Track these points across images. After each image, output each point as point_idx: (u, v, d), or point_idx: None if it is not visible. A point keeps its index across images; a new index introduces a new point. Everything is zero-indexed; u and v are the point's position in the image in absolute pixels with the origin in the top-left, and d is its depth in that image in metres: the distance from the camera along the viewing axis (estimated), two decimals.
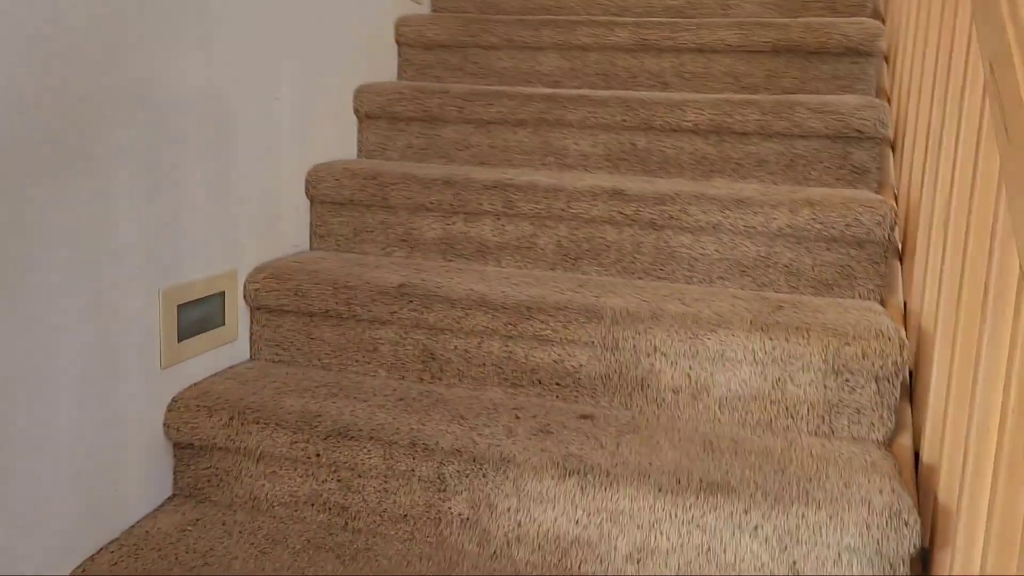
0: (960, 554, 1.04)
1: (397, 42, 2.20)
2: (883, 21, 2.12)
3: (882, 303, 1.55)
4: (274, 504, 1.39)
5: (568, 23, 2.10)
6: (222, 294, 1.50)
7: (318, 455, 1.33)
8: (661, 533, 1.24)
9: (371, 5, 2.05)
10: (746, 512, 1.18)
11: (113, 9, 1.17)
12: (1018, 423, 0.84)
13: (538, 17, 2.20)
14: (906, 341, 1.35)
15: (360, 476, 1.35)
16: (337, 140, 1.92)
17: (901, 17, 1.88)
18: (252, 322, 1.64)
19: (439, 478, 1.29)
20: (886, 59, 2.00)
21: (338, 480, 1.36)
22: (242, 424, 1.36)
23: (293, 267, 1.61)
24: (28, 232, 1.05)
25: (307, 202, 1.80)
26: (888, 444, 1.37)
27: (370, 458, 1.31)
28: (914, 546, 1.14)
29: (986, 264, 1.01)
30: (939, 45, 1.43)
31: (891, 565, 1.16)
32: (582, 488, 1.23)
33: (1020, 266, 0.87)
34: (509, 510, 1.29)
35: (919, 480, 1.30)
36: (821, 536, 1.16)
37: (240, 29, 1.49)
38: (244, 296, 1.58)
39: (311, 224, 1.82)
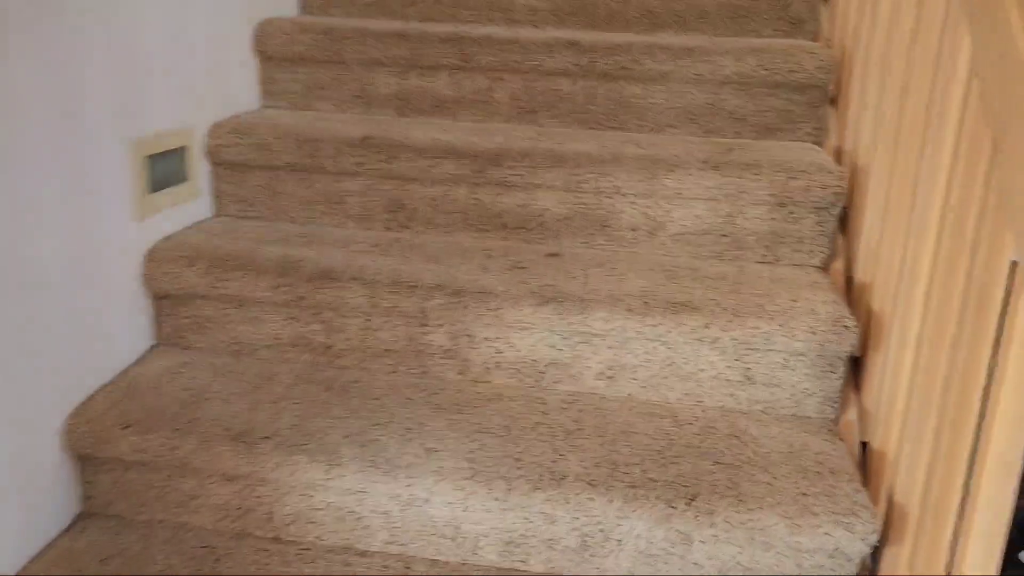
0: (893, 353, 1.17)
1: None
2: None
3: (819, 144, 1.66)
4: (258, 347, 1.45)
5: None
6: (184, 148, 1.51)
7: (301, 298, 1.38)
8: (630, 351, 1.35)
9: None
10: (707, 326, 1.29)
11: None
12: (951, 244, 0.96)
13: None
14: (845, 173, 1.47)
15: (343, 316, 1.41)
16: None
17: None
18: (215, 179, 1.65)
19: (421, 312, 1.36)
20: None
21: (321, 322, 1.42)
22: (223, 272, 1.39)
23: (253, 122, 1.61)
24: (11, 80, 1.05)
25: (255, 59, 1.78)
26: (825, 268, 1.50)
27: (354, 298, 1.37)
28: (852, 346, 1.27)
29: (927, 99, 1.10)
30: None
31: (831, 365, 1.31)
32: (559, 314, 1.32)
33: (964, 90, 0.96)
34: (488, 339, 1.37)
35: (852, 297, 1.42)
36: (773, 344, 1.29)
37: None
38: (207, 152, 1.59)
39: (260, 82, 1.81)
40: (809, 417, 1.35)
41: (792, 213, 1.48)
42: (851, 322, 1.28)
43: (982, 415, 0.89)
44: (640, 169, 1.48)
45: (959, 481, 0.91)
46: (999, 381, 0.85)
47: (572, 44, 1.67)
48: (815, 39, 1.82)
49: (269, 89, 1.82)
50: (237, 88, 1.72)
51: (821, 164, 1.48)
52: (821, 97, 1.67)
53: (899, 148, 1.25)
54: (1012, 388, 0.80)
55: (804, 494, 1.13)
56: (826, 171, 1.45)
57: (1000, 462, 0.84)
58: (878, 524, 1.11)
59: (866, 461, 1.27)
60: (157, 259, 1.41)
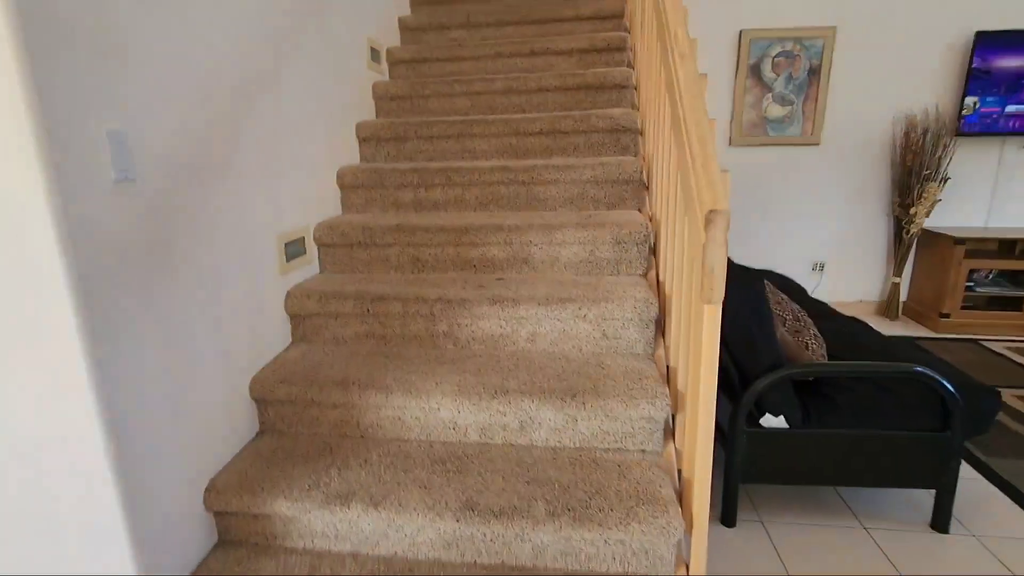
0: (673, 314, 1.29)
1: (373, 96, 2.25)
2: (633, 68, 2.27)
3: (639, 210, 1.79)
4: (347, 340, 1.56)
5: (468, 80, 2.19)
6: (303, 238, 1.64)
7: (368, 311, 1.50)
8: (541, 325, 1.46)
9: (361, 79, 2.10)
10: (580, 309, 1.42)
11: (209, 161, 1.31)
12: (691, 266, 1.12)
13: (452, 77, 2.27)
14: (650, 226, 1.63)
15: (391, 318, 1.52)
16: (348, 153, 1.99)
17: (640, 67, 2.03)
18: (320, 253, 1.74)
19: (431, 314, 1.48)
20: (636, 88, 2.15)
21: (379, 323, 1.53)
22: (326, 300, 1.51)
23: (338, 222, 1.73)
24: (210, 212, 1.22)
25: (337, 188, 1.90)
26: (644, 276, 1.62)
27: (395, 308, 1.49)
28: (655, 314, 1.40)
29: (675, 195, 1.25)
30: (653, 86, 1.65)
31: (647, 324, 1.42)
32: (502, 308, 1.44)
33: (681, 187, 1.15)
34: (467, 325, 1.49)
35: (659, 290, 1.53)
36: (616, 315, 1.41)
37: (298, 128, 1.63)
38: (315, 238, 1.71)
39: (340, 199, 1.92)
40: (638, 353, 1.44)
41: (624, 247, 1.59)
42: (654, 301, 1.40)
43: (699, 341, 1.04)
44: (543, 230, 1.60)
45: (695, 373, 1.07)
46: (703, 321, 0.99)
47: (506, 168, 1.79)
48: (635, 155, 1.94)
49: (345, 202, 1.91)
50: (329, 203, 1.83)
51: (639, 221, 1.59)
52: (640, 187, 1.78)
53: (666, 214, 1.39)
54: (709, 330, 0.96)
55: (632, 391, 1.24)
56: (641, 224, 1.58)
57: (708, 364, 1.00)
58: (671, 401, 1.23)
59: (669, 374, 1.36)
60: (291, 296, 1.53)
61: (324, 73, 1.78)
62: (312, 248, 1.70)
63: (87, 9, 0.89)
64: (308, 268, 1.69)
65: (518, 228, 1.62)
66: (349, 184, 1.89)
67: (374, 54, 2.26)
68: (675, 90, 1.09)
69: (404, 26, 2.59)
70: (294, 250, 1.58)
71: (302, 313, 1.54)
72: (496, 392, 1.27)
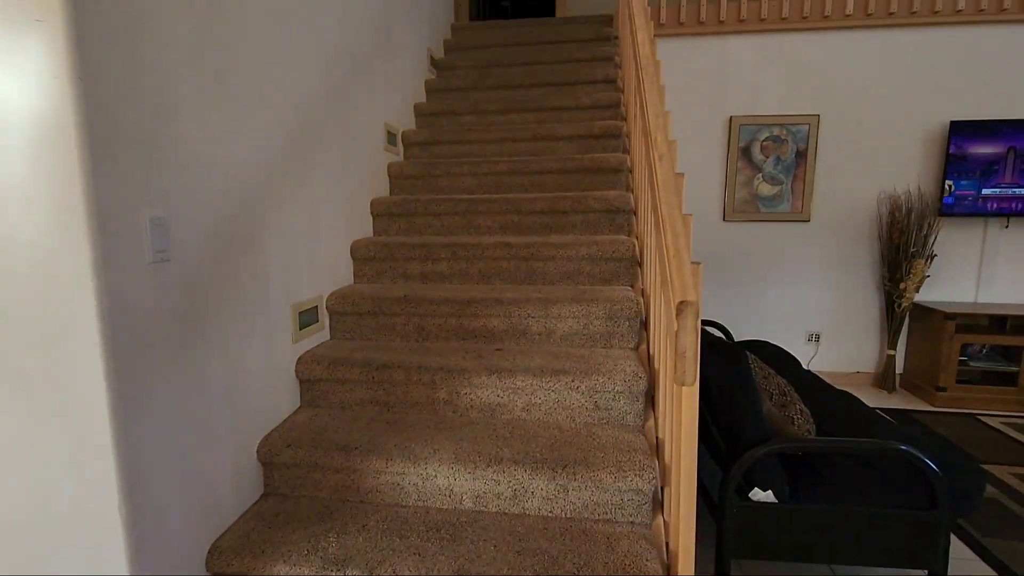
0: (660, 390, 1.33)
1: (388, 175, 2.41)
2: (628, 153, 2.43)
3: (632, 287, 1.87)
4: (352, 404, 1.61)
5: (476, 161, 2.35)
6: (316, 307, 1.74)
7: (373, 378, 1.57)
8: (536, 395, 1.51)
9: (377, 160, 2.26)
10: (573, 380, 1.47)
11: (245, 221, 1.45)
12: (668, 331, 1.19)
13: (461, 159, 2.45)
14: (641, 302, 1.71)
15: (394, 386, 1.57)
16: (362, 226, 2.12)
17: (633, 154, 2.17)
18: (331, 320, 1.82)
19: (432, 382, 1.54)
20: (630, 171, 2.29)
21: (384, 390, 1.58)
22: (334, 366, 1.58)
23: (349, 291, 1.83)
24: (235, 286, 1.33)
25: (350, 260, 2.01)
26: (636, 349, 1.68)
27: (399, 376, 1.55)
28: (645, 387, 1.46)
29: (660, 267, 1.36)
30: (643, 174, 1.78)
31: (635, 397, 1.47)
32: (500, 378, 1.51)
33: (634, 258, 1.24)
34: (466, 394, 1.54)
35: (651, 363, 1.56)
36: (607, 388, 1.47)
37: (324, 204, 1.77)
38: (327, 307, 1.80)
39: (353, 269, 2.03)
40: (629, 425, 1.48)
41: (617, 322, 1.66)
42: (644, 375, 1.45)
43: (679, 421, 1.08)
44: (540, 304, 1.68)
45: (678, 449, 1.11)
46: (681, 398, 1.05)
47: (507, 245, 1.90)
48: (629, 234, 2.06)
49: (357, 273, 2.01)
50: (343, 273, 1.93)
51: (631, 297, 1.68)
52: (633, 264, 1.87)
53: (655, 291, 1.46)
54: (687, 410, 1.02)
55: (622, 463, 1.28)
56: (633, 301, 1.66)
57: (688, 443, 1.05)
58: (657, 474, 1.27)
59: (658, 446, 1.40)
60: (302, 362, 1.60)
61: (344, 157, 1.94)
62: (324, 316, 1.80)
63: (149, 116, 1.03)
64: (319, 335, 1.77)
65: (517, 301, 1.71)
66: (362, 256, 2.01)
67: (390, 137, 2.44)
68: (655, 186, 1.20)
69: (419, 112, 2.80)
70: (307, 318, 1.67)
71: (311, 378, 1.61)
72: (491, 461, 1.32)
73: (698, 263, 0.96)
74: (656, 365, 1.47)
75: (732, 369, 1.46)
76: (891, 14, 3.18)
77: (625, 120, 2.61)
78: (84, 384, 0.94)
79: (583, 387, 1.49)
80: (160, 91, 1.07)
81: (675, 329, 0.88)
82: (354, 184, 2.04)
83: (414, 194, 2.41)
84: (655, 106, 1.36)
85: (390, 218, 2.22)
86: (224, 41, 1.27)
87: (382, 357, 1.61)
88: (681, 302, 0.86)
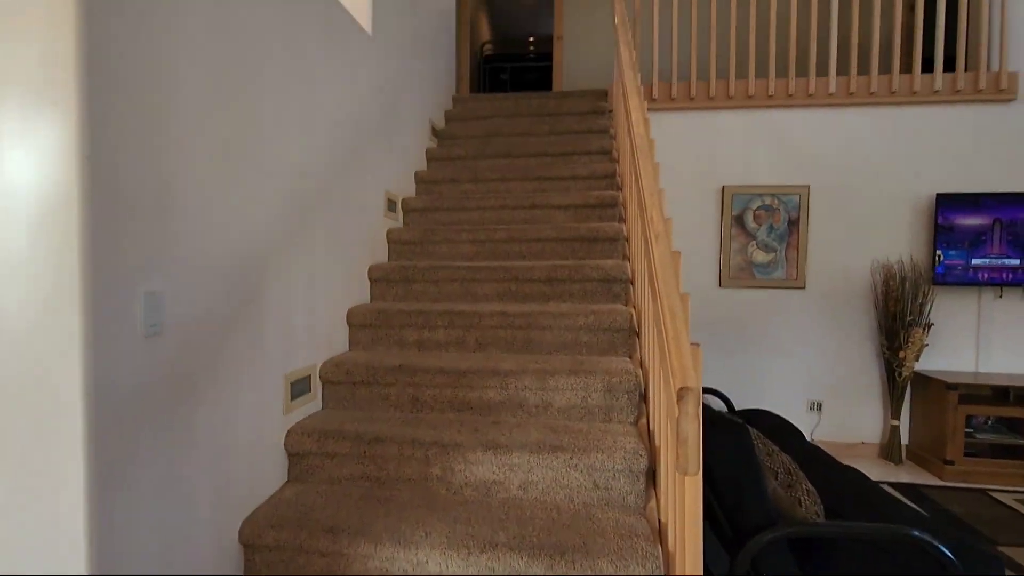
0: (661, 469, 1.30)
1: (387, 240, 2.44)
2: (623, 223, 2.48)
3: (630, 358, 1.87)
4: (342, 480, 1.55)
5: (475, 227, 2.39)
6: (310, 376, 1.71)
7: (364, 452, 1.53)
8: (533, 473, 1.47)
9: (377, 226, 2.30)
10: (571, 458, 1.44)
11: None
12: (668, 415, 1.17)
13: (460, 226, 2.52)
14: (640, 374, 1.69)
15: (386, 461, 1.52)
16: (359, 292, 2.13)
17: (629, 223, 2.20)
18: (324, 390, 1.79)
19: (426, 457, 1.50)
20: (627, 240, 2.32)
21: (375, 464, 1.53)
22: (324, 439, 1.54)
23: (344, 359, 1.80)
24: (227, 359, 1.30)
25: (347, 326, 2.00)
26: (635, 424, 1.64)
27: (391, 451, 1.51)
28: (645, 466, 1.42)
29: (659, 345, 1.34)
30: (639, 245, 1.81)
31: (636, 476, 1.43)
32: (496, 454, 1.47)
33: (664, 339, 1.23)
34: (460, 471, 1.49)
35: (651, 438, 1.53)
36: (607, 466, 1.43)
37: (322, 271, 1.78)
38: (320, 376, 1.77)
39: (348, 336, 2.02)
40: (629, 506, 1.43)
41: (615, 395, 1.64)
42: (644, 453, 1.42)
43: (682, 509, 1.05)
44: (537, 375, 1.66)
45: (682, 536, 1.06)
46: (685, 486, 1.01)
47: (504, 314, 1.90)
48: (626, 304, 2.08)
49: (352, 340, 2.00)
50: (338, 340, 1.91)
51: (629, 369, 1.66)
52: (630, 334, 1.86)
53: (653, 365, 1.45)
54: (691, 500, 0.98)
55: (623, 550, 1.23)
56: (632, 373, 1.64)
57: (692, 534, 1.00)
58: (661, 562, 1.21)
59: (661, 529, 1.34)
60: (292, 434, 1.56)
61: (345, 224, 1.97)
62: (317, 385, 1.76)
63: (152, 190, 1.05)
64: (311, 405, 1.73)
65: (514, 372, 1.69)
66: (358, 323, 2.00)
67: (390, 204, 2.49)
68: (652, 264, 1.21)
69: (420, 179, 2.88)
70: (300, 388, 1.64)
71: (300, 452, 1.56)
72: (486, 546, 1.25)
73: (697, 345, 0.95)
74: (657, 442, 1.43)
75: (735, 448, 1.42)
76: (872, 94, 3.34)
77: (620, 190, 2.68)
78: (63, 467, 0.90)
79: (582, 465, 1.45)
80: (165, 165, 1.09)
81: (676, 415, 0.86)
82: (354, 251, 2.06)
83: (412, 260, 2.44)
84: (650, 185, 1.39)
85: (388, 284, 2.22)
86: (233, 114, 1.31)
87: (374, 430, 1.57)
88: (682, 388, 0.85)
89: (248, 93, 1.37)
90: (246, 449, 1.37)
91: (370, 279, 2.23)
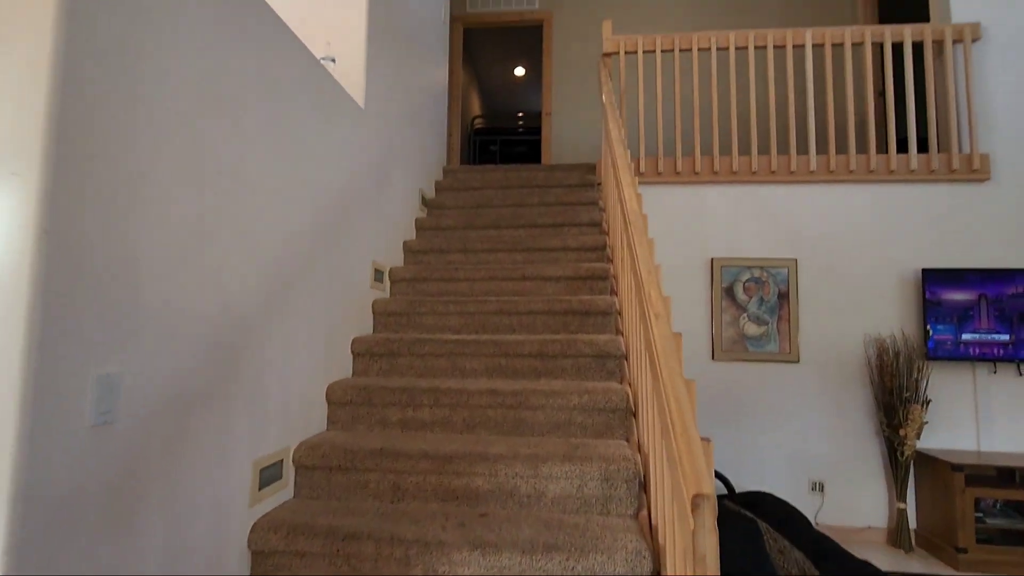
0: (668, 567, 1.21)
1: (372, 311, 2.36)
2: (615, 295, 2.45)
3: (627, 441, 1.76)
4: None
5: (463, 299, 2.33)
6: (281, 460, 1.58)
7: (338, 550, 1.37)
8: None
9: (363, 297, 2.23)
10: (567, 559, 1.30)
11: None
12: (680, 521, 1.07)
13: (448, 297, 2.48)
14: (639, 460, 1.58)
15: (362, 560, 1.37)
16: (340, 367, 2.02)
17: (621, 296, 2.16)
18: (297, 476, 1.65)
19: (406, 557, 1.35)
20: (619, 314, 2.28)
21: (349, 565, 1.38)
22: (293, 536, 1.39)
23: (320, 441, 1.67)
24: (187, 447, 1.18)
25: (326, 403, 1.88)
26: (636, 516, 1.52)
27: (367, 549, 1.36)
28: (650, 570, 1.30)
29: (669, 434, 1.26)
30: (633, 320, 1.76)
31: None
32: (483, 554, 1.33)
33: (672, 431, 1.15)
34: (445, 572, 1.35)
35: (653, 535, 1.40)
36: (607, 569, 1.29)
37: (303, 336, 1.69)
38: (293, 461, 1.63)
39: (328, 415, 1.89)
40: None
41: (613, 484, 1.52)
42: (647, 553, 1.29)
43: None
44: (529, 461, 1.54)
45: None
46: None
47: (494, 392, 1.80)
48: (621, 381, 1.98)
49: (331, 418, 1.87)
50: (315, 418, 1.79)
51: (627, 455, 1.55)
52: (627, 415, 1.76)
53: (653, 448, 1.36)
54: None
55: None
56: (631, 460, 1.53)
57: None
58: None
59: None
60: (257, 529, 1.40)
61: (329, 295, 1.89)
62: (289, 470, 1.62)
63: (114, 266, 0.97)
64: (282, 493, 1.58)
65: (504, 458, 1.57)
66: (338, 400, 1.88)
67: (377, 274, 2.43)
68: (652, 344, 1.14)
69: (408, 249, 2.84)
70: (270, 475, 1.50)
71: (265, 550, 1.40)
72: None
73: (708, 440, 0.87)
74: (660, 540, 1.30)
75: (749, 551, 1.30)
76: (851, 172, 3.45)
77: (611, 262, 2.66)
78: None
79: (579, 568, 1.31)
80: (135, 237, 1.02)
81: (691, 527, 0.76)
82: (336, 322, 1.97)
83: (398, 332, 2.35)
84: (647, 261, 1.35)
85: (371, 358, 2.12)
86: (211, 184, 1.26)
87: (350, 524, 1.42)
88: (697, 496, 0.75)
89: (228, 160, 1.33)
90: (204, 551, 1.22)
91: (353, 353, 2.13)
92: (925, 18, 5.02)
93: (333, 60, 2.18)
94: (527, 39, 6.16)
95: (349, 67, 2.25)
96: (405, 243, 2.85)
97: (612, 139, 2.21)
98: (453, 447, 1.63)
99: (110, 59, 0.96)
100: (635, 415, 1.81)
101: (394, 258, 2.71)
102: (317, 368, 1.82)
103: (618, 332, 2.25)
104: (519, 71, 7.09)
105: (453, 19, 5.29)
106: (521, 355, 2.04)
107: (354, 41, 2.25)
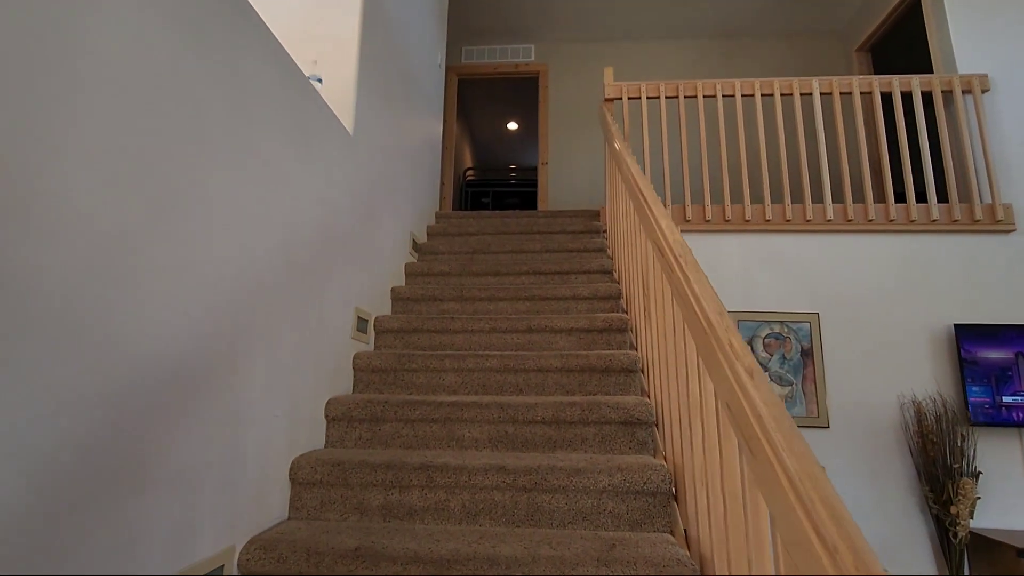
0: None
1: (354, 367, 2.01)
2: (635, 349, 2.13)
3: (672, 534, 1.40)
4: None
5: (460, 354, 1.99)
6: (222, 567, 1.18)
7: None
8: None
9: (343, 350, 1.89)
10: None
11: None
12: None
13: (442, 351, 2.15)
14: (696, 567, 1.21)
15: None
16: (311, 435, 1.65)
17: (642, 352, 1.87)
18: None
19: None
20: (643, 372, 1.96)
21: None
22: None
23: (277, 537, 1.29)
24: (88, 537, 0.81)
25: (288, 483, 1.50)
26: None
27: None
28: None
29: (742, 509, 0.92)
30: (680, 377, 1.46)
31: None
32: None
33: (769, 515, 0.82)
34: None
35: None
36: None
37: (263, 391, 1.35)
38: (237, 565, 1.24)
39: (291, 498, 1.50)
40: None
41: None
42: None
43: None
44: (551, 565, 1.18)
45: None
46: None
47: (502, 469, 1.44)
48: (655, 453, 1.64)
49: (295, 502, 1.49)
50: (274, 504, 1.41)
51: (681, 558, 1.19)
52: (668, 499, 1.41)
53: (731, 543, 1.03)
54: None
55: None
56: (686, 565, 1.18)
57: None
58: None
59: None
60: None
61: (300, 348, 1.55)
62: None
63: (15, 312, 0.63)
64: None
65: (519, 562, 1.20)
66: (304, 479, 1.50)
67: (361, 323, 2.09)
68: (747, 415, 0.82)
69: (396, 296, 2.52)
70: None
71: None
72: None
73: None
74: None
75: None
76: (870, 220, 3.26)
77: (627, 312, 2.36)
78: None
79: None
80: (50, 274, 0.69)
81: None
82: (307, 379, 1.62)
83: (384, 391, 1.99)
84: (712, 301, 1.05)
85: (349, 424, 1.75)
86: (142, 195, 0.94)
87: None
88: None
89: (170, 172, 1.03)
90: None
91: (327, 417, 1.76)
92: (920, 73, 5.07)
93: (320, 80, 1.94)
94: (521, 91, 6.13)
95: (338, 90, 2.01)
96: (394, 289, 2.53)
97: (633, 174, 1.96)
98: (451, 545, 1.26)
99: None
100: (677, 499, 1.45)
101: (381, 306, 2.38)
102: (278, 437, 1.45)
103: (643, 393, 1.91)
104: (512, 125, 7.06)
105: (448, 69, 5.22)
106: (532, 421, 1.69)
107: (345, 62, 2.02)
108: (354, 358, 2.02)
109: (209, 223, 1.12)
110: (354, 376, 2.02)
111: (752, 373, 0.82)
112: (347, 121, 1.99)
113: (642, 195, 1.76)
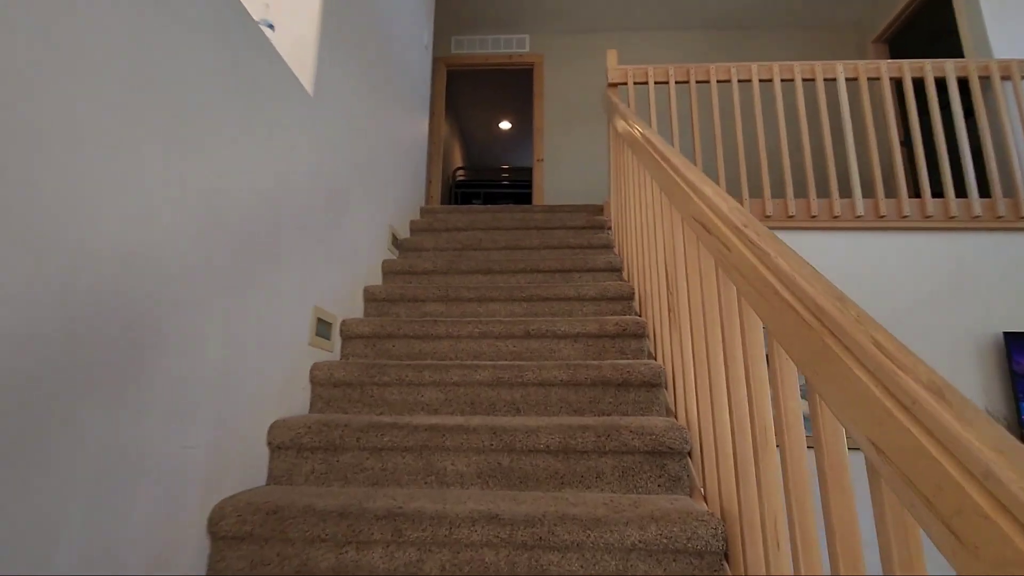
0: None
1: (312, 381, 1.65)
2: (654, 358, 1.77)
3: None
4: None
5: (444, 364, 1.63)
6: None
7: None
8: None
9: (298, 360, 1.51)
10: None
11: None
12: None
13: (422, 361, 1.79)
14: None
15: None
16: (247, 470, 1.28)
17: (665, 363, 1.50)
18: None
19: None
20: (666, 388, 1.59)
21: None
22: None
23: None
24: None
25: (207, 539, 1.13)
26: None
27: None
28: None
29: None
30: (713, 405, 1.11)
31: None
32: None
33: None
34: None
35: None
36: None
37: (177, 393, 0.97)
38: None
39: (209, 559, 1.13)
40: None
41: None
42: None
43: None
44: None
45: None
46: None
47: (495, 519, 1.07)
48: (691, 493, 1.29)
49: (214, 566, 1.11)
50: (182, 566, 1.06)
51: None
52: (718, 562, 1.06)
53: None
54: None
55: None
56: None
57: None
58: None
59: None
60: None
61: (234, 360, 1.18)
62: None
63: None
64: None
65: None
66: (228, 534, 1.12)
67: (322, 327, 1.72)
68: (941, 458, 0.47)
69: (370, 296, 2.15)
70: None
71: None
72: None
73: None
74: None
75: None
76: (904, 217, 2.95)
77: (641, 315, 2.01)
78: None
79: None
80: None
81: None
82: (241, 399, 1.25)
83: (347, 410, 1.62)
84: (830, 292, 0.70)
85: (299, 454, 1.38)
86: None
87: None
88: None
89: (27, 113, 0.66)
90: None
91: (271, 445, 1.38)
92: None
93: (271, 26, 1.58)
94: (514, 85, 5.82)
95: (295, 43, 1.65)
96: (367, 289, 2.17)
97: (656, 144, 1.62)
98: None
99: None
100: (728, 558, 1.09)
101: (350, 307, 2.01)
102: (192, 477, 1.07)
103: (669, 414, 1.55)
104: (505, 124, 6.74)
105: (436, 60, 4.90)
106: (533, 450, 1.33)
107: (305, 9, 1.67)
108: (312, 369, 1.65)
109: (82, 186, 0.76)
110: (311, 391, 1.65)
111: (941, 391, 0.46)
112: (306, 79, 1.63)
113: (670, 164, 1.41)
